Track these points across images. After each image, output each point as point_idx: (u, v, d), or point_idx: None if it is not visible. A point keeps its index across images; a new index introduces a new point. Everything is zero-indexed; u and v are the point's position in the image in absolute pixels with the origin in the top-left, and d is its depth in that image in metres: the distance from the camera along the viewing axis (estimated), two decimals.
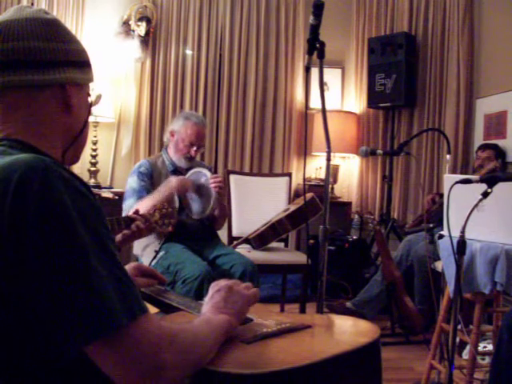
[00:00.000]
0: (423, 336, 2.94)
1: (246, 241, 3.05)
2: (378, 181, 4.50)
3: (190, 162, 2.72)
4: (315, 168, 4.47)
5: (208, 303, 1.03)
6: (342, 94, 4.67)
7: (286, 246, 3.50)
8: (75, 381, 0.78)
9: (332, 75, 4.59)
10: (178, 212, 2.61)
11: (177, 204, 2.55)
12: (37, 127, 0.88)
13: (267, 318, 1.14)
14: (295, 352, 0.97)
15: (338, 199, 4.39)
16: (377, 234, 3.17)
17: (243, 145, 4.43)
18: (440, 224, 3.01)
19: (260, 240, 3.01)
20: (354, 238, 4.09)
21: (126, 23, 4.18)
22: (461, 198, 1.72)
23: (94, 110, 3.63)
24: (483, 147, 3.55)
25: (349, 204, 4.44)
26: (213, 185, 2.54)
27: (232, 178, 3.48)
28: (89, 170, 4.02)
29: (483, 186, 1.65)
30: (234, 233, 3.34)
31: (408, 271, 3.33)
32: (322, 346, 1.03)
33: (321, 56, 1.69)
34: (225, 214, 2.86)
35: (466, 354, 2.65)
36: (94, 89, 3.65)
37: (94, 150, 4.04)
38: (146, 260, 2.58)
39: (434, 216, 3.40)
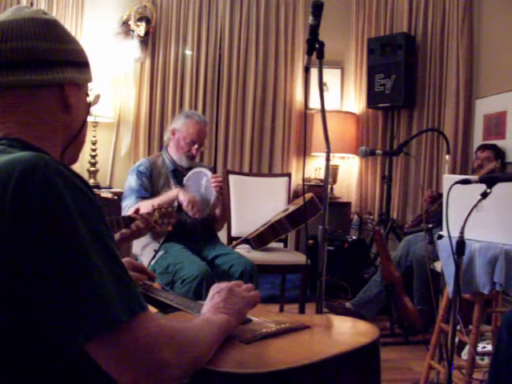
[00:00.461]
0: (422, 336, 2.93)
1: (246, 241, 3.05)
2: (378, 181, 4.50)
3: (191, 161, 2.72)
4: (314, 168, 4.47)
5: (208, 304, 1.03)
6: (342, 94, 4.67)
7: (286, 246, 3.50)
8: (76, 379, 0.78)
9: (331, 75, 4.59)
10: (178, 212, 2.61)
11: (176, 203, 2.55)
12: (36, 127, 0.88)
13: (266, 318, 1.14)
14: (295, 352, 0.97)
15: (337, 199, 4.39)
16: (376, 235, 3.17)
17: (242, 145, 4.43)
18: (439, 224, 3.01)
19: (259, 240, 3.01)
20: (354, 238, 4.09)
21: (125, 23, 4.18)
22: (460, 199, 1.72)
23: (93, 109, 3.63)
24: (482, 147, 3.55)
25: (348, 204, 4.44)
26: (213, 184, 2.55)
27: (231, 178, 3.48)
28: (88, 170, 4.01)
29: (482, 187, 1.65)
30: (233, 233, 3.34)
31: (407, 271, 3.33)
32: (322, 347, 1.03)
33: (320, 56, 1.69)
34: (226, 214, 2.86)
35: (465, 355, 2.65)
36: (93, 89, 3.62)
37: (94, 150, 4.04)
38: (145, 260, 2.58)
39: (434, 216, 3.41)
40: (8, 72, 0.85)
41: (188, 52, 4.36)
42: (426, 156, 4.29)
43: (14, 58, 0.85)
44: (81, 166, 3.97)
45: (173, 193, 2.54)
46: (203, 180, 2.64)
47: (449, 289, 2.12)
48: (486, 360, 2.50)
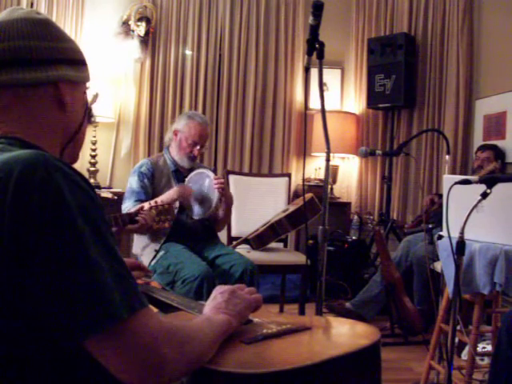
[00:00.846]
0: (422, 336, 2.94)
1: (246, 241, 3.05)
2: (378, 181, 4.50)
3: (193, 162, 2.73)
4: (314, 168, 4.47)
5: (210, 304, 1.04)
6: (342, 94, 4.67)
7: (286, 246, 3.50)
8: (75, 378, 0.78)
9: (331, 76, 4.59)
10: (179, 212, 2.61)
11: (177, 204, 2.56)
12: (33, 126, 0.89)
13: (267, 318, 1.14)
14: (296, 353, 0.97)
15: (337, 200, 4.39)
16: (376, 235, 3.17)
17: (243, 145, 4.43)
18: (439, 224, 3.01)
19: (259, 240, 3.01)
20: (354, 238, 4.09)
21: (125, 23, 4.18)
22: (460, 199, 1.72)
23: (93, 109, 3.62)
24: (482, 148, 3.55)
25: (348, 204, 4.44)
26: (216, 186, 2.55)
27: (231, 178, 3.48)
28: (88, 170, 4.01)
29: (482, 187, 1.65)
30: (234, 233, 3.35)
31: (407, 272, 3.33)
32: (323, 348, 1.03)
33: (320, 56, 1.69)
34: (229, 215, 2.86)
35: (465, 355, 2.65)
36: (93, 88, 3.64)
37: (94, 150, 4.04)
38: (145, 260, 2.58)
39: (434, 216, 3.41)
40: (1, 71, 0.85)
41: (188, 52, 4.36)
42: (426, 156, 4.29)
43: (7, 57, 0.85)
44: (81, 166, 3.97)
45: (170, 194, 2.54)
46: (206, 181, 2.64)
47: (449, 289, 2.12)
48: (486, 360, 2.50)
